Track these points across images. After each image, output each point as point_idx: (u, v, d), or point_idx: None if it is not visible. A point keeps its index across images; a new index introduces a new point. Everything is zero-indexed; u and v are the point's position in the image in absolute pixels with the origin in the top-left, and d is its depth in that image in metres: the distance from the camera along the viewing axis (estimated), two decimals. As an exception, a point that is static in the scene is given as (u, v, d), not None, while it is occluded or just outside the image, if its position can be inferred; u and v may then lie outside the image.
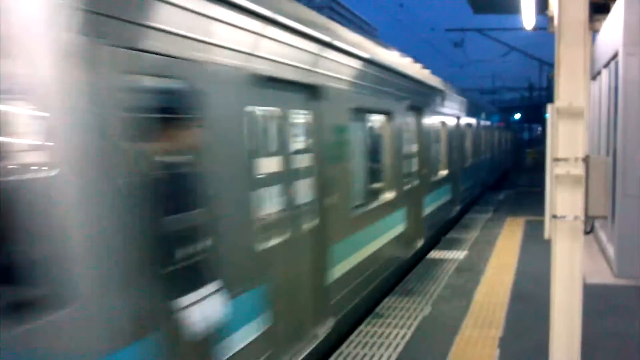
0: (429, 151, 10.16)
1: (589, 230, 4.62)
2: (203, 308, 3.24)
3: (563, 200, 4.47)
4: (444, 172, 11.87)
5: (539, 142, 44.93)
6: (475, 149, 16.91)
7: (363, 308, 6.65)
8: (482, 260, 9.46)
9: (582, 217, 4.47)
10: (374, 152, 7.46)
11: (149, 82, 3.12)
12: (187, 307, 3.16)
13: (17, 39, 2.49)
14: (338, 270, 5.77)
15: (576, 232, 4.50)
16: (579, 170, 4.42)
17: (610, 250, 8.57)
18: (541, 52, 44.85)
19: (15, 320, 2.38)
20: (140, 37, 3.07)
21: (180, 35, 3.38)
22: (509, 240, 11.20)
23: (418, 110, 9.45)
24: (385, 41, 8.74)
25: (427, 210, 9.78)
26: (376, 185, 7.49)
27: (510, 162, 30.91)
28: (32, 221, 2.48)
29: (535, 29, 12.57)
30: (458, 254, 9.93)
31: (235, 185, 3.94)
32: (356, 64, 6.42)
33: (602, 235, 9.71)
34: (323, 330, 5.45)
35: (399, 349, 5.69)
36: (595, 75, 10.93)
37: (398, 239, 8.14)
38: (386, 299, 7.28)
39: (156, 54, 3.16)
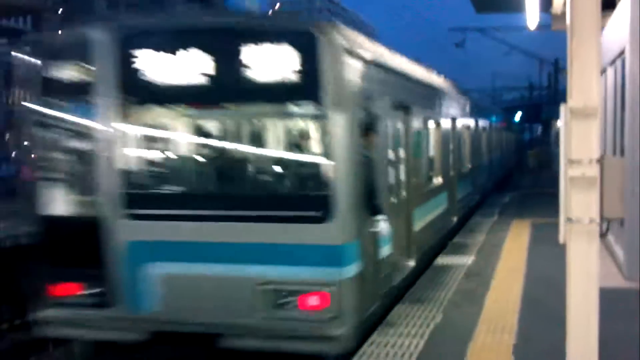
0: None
1: (604, 233, 4.55)
2: (385, 225, 6.66)
3: (578, 202, 4.39)
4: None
5: (540, 142, 44.85)
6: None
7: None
8: (490, 265, 9.39)
9: (598, 220, 4.39)
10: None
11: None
12: (381, 223, 6.60)
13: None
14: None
15: (592, 235, 4.42)
16: (593, 171, 4.34)
17: (620, 252, 8.49)
18: (543, 51, 44.90)
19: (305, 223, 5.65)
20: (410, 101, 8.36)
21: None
22: (516, 243, 11.13)
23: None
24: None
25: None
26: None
27: (513, 163, 30.80)
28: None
29: (539, 27, 12.54)
30: (465, 259, 9.85)
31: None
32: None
33: (611, 237, 9.63)
34: (410, 263, 8.32)
35: (413, 359, 5.61)
36: (600, 73, 10.87)
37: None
38: (397, 307, 7.20)
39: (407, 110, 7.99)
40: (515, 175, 29.21)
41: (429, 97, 10.17)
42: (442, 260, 9.90)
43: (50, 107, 6.26)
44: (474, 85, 55.24)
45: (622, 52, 8.03)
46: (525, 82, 63.41)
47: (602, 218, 4.38)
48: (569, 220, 4.43)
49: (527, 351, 5.72)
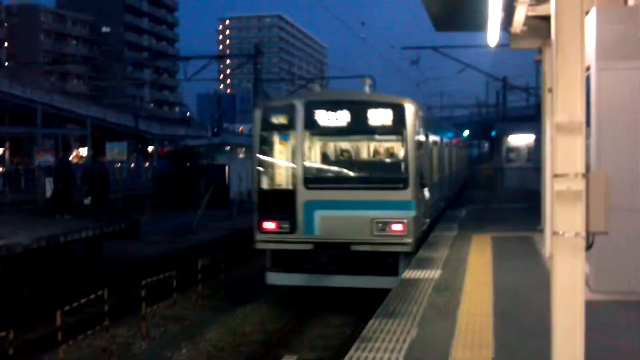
0: None
1: (589, 246, 4.60)
2: (426, 193, 13.21)
3: (564, 216, 4.44)
4: None
5: (488, 158, 45.72)
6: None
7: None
8: (457, 279, 9.44)
9: (584, 234, 4.44)
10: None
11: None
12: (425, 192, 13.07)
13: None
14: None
15: (577, 248, 4.47)
16: (579, 185, 4.40)
17: (586, 265, 8.64)
18: (492, 70, 45.86)
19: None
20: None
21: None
22: (479, 257, 11.24)
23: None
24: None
25: None
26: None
27: (464, 179, 31.28)
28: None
29: (498, 46, 12.78)
30: (432, 273, 9.89)
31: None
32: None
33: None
34: (427, 221, 13.79)
35: (393, 373, 5.55)
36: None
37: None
38: (371, 322, 7.15)
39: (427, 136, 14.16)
40: (467, 190, 29.70)
41: (435, 127, 16.96)
42: (409, 274, 9.91)
43: (271, 135, 12.79)
44: (425, 101, 56.11)
45: (587, 69, 8.23)
46: (473, 100, 64.86)
47: (587, 232, 4.43)
48: (555, 233, 4.47)
49: (506, 364, 5.73)
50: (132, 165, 59.53)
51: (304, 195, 11.87)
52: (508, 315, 7.38)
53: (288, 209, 11.85)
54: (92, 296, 10.20)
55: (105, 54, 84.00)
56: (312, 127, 12.16)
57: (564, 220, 4.43)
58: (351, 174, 12.82)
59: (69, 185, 17.82)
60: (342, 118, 12.02)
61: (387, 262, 11.71)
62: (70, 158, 55.35)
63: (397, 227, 11.57)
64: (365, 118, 11.92)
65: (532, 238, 13.00)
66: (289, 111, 12.16)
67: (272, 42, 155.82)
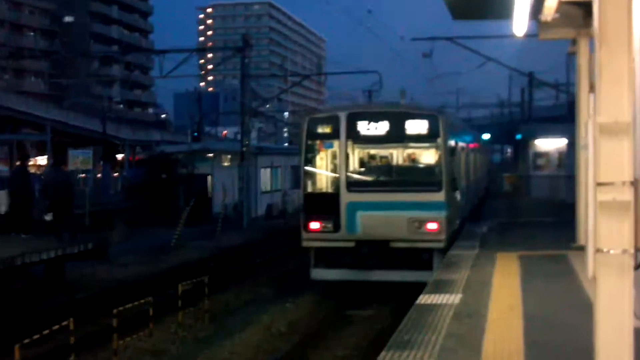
0: None
1: (638, 266, 4.63)
2: (458, 195, 16.96)
3: (608, 231, 4.47)
4: None
5: (511, 165, 45.84)
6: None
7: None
8: (481, 304, 9.46)
9: (632, 251, 4.47)
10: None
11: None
12: (456, 194, 16.62)
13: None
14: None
15: (625, 268, 4.50)
16: (626, 195, 4.43)
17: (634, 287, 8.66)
18: (518, 64, 46.04)
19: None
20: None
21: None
22: (506, 279, 11.27)
23: None
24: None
25: None
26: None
27: (484, 188, 31.37)
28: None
29: (525, 36, 12.85)
30: (452, 298, 9.91)
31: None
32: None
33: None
34: (458, 221, 17.29)
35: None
36: None
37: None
38: (383, 353, 7.16)
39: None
40: (488, 201, 29.76)
41: (463, 133, 20.91)
42: (425, 299, 9.93)
43: (316, 143, 15.87)
44: (439, 100, 56.34)
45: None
46: (494, 99, 65.02)
47: (637, 249, 4.46)
48: (598, 251, 4.50)
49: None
50: (99, 175, 59.54)
51: (346, 197, 14.96)
52: (542, 345, 7.39)
53: (332, 210, 14.95)
54: (56, 327, 10.18)
55: (68, 47, 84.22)
56: (354, 136, 15.36)
57: (609, 235, 4.46)
58: (389, 177, 16.22)
59: (27, 199, 17.79)
60: (380, 128, 15.18)
61: (422, 257, 14.74)
62: (28, 167, 55.21)
63: (431, 226, 14.65)
64: (403, 127, 15.15)
65: (566, 256, 13.04)
66: (333, 122, 15.32)
67: (261, 33, 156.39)
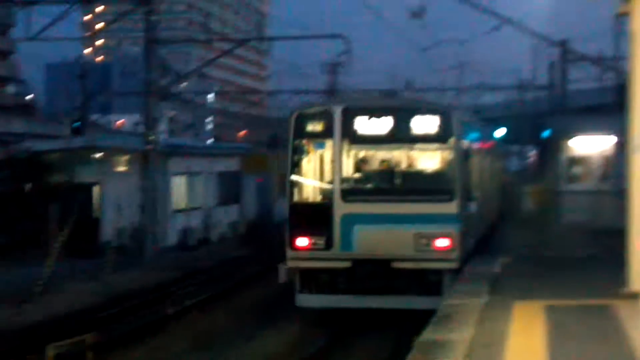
0: None
1: None
2: (474, 205, 20.63)
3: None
4: None
5: (534, 175, 45.48)
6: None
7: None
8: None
9: None
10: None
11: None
12: (472, 205, 20.29)
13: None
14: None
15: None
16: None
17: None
18: (545, 31, 46.41)
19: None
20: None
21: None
22: (525, 339, 11.31)
23: None
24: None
25: None
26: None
27: (496, 209, 31.18)
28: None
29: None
30: (449, 367, 9.93)
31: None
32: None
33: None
34: (473, 240, 20.95)
35: None
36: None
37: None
38: None
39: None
40: (502, 226, 29.93)
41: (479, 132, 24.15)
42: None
43: (304, 143, 18.67)
44: (436, 79, 56.61)
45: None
46: (512, 79, 65.38)
47: None
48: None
49: None
50: None
51: (341, 208, 17.32)
52: None
53: (324, 224, 17.22)
54: None
55: None
56: (350, 135, 17.71)
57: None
58: (391, 185, 18.57)
59: None
60: (382, 125, 17.55)
61: (430, 280, 16.90)
62: None
63: (441, 243, 17.10)
64: (408, 126, 17.62)
65: (613, 308, 13.19)
66: (325, 118, 17.66)
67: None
